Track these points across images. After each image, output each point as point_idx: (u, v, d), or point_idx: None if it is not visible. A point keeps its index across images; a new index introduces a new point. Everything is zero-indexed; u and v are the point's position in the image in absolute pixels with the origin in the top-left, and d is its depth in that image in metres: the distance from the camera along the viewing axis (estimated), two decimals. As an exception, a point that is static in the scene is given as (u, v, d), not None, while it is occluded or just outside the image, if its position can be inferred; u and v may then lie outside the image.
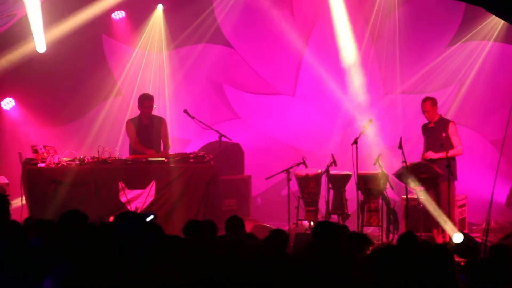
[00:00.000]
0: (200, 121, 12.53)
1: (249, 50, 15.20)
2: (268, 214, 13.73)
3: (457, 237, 10.19)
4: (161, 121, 12.65)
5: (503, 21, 13.64)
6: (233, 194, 12.90)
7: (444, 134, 11.62)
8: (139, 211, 11.62)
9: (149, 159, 11.99)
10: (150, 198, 11.79)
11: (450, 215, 11.42)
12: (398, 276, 4.83)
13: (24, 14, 13.37)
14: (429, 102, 11.91)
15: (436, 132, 11.77)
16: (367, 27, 14.83)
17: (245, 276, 4.87)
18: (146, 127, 12.50)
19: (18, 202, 11.44)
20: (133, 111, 13.75)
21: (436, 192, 11.56)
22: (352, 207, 12.23)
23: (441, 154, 11.56)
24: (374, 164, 11.58)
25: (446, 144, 11.59)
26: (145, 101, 12.50)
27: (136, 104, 12.71)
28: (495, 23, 14.19)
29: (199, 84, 15.10)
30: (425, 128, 12.08)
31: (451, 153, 11.65)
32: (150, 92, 13.33)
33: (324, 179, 12.21)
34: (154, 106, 12.61)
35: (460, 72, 14.55)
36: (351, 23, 14.77)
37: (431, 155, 11.68)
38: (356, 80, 14.47)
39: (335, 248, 6.48)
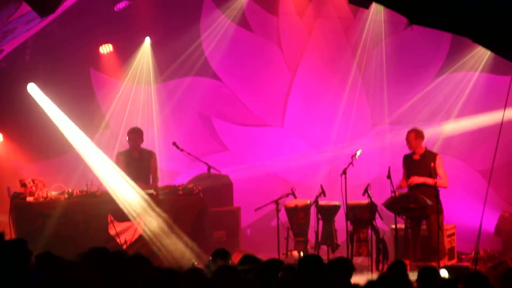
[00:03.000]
0: (189, 153, 12.56)
1: (237, 83, 15.22)
2: (258, 245, 13.70)
3: (443, 274, 10.10)
4: (150, 154, 12.65)
5: (489, 52, 13.73)
6: (223, 226, 12.88)
7: (433, 164, 11.66)
8: (128, 244, 11.61)
9: (138, 191, 11.99)
10: (139, 231, 11.77)
11: (439, 246, 11.47)
12: None
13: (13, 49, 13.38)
14: (413, 134, 11.93)
15: (422, 164, 11.77)
16: (354, 58, 14.91)
17: None
18: (136, 160, 12.49)
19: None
20: (121, 144, 13.73)
21: (427, 222, 11.62)
22: (341, 237, 12.22)
23: (426, 178, 11.60)
24: (363, 194, 11.59)
25: (434, 174, 11.64)
26: (128, 134, 12.54)
27: (125, 137, 12.75)
28: (481, 54, 14.29)
29: (187, 116, 15.09)
30: (408, 159, 12.05)
31: (437, 183, 11.69)
32: (139, 125, 13.30)
33: (313, 210, 12.19)
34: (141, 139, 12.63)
35: (448, 102, 14.64)
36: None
37: (416, 179, 11.69)
38: None
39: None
